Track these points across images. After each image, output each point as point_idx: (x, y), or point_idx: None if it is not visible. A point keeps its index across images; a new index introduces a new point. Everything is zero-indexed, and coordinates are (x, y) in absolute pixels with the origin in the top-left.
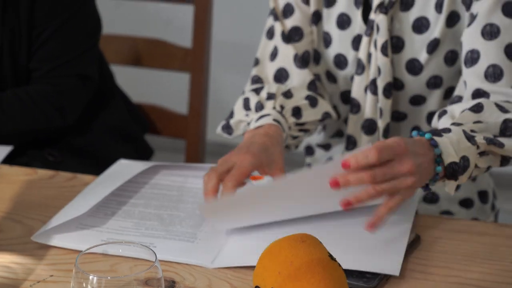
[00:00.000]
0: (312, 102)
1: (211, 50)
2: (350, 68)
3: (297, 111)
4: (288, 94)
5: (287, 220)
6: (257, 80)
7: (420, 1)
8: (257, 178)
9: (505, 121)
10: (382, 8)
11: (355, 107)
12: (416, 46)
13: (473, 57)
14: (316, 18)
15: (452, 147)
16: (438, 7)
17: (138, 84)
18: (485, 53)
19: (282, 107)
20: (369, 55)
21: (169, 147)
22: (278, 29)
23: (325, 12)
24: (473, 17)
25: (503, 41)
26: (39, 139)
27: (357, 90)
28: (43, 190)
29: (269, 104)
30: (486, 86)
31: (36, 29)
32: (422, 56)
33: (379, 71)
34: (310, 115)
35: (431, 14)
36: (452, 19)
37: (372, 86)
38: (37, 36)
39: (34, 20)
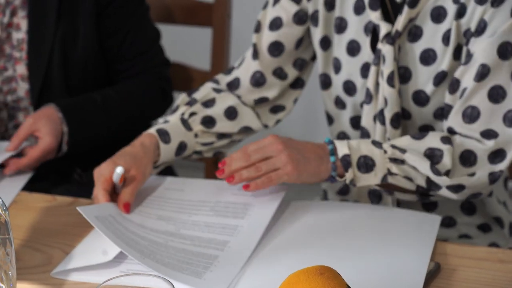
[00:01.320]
0: (230, 114)
1: None
2: (359, 95)
3: (209, 120)
4: (209, 103)
5: (304, 251)
6: (218, 79)
7: (428, 32)
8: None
9: (430, 148)
10: (389, 38)
11: (365, 135)
12: (423, 78)
13: (461, 93)
14: (325, 43)
15: (347, 146)
16: (445, 40)
17: None
18: (471, 94)
19: (192, 114)
20: (377, 85)
21: None
22: (254, 40)
23: (336, 38)
24: (469, 56)
25: (488, 84)
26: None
27: (366, 119)
28: (62, 217)
29: (181, 109)
30: (459, 127)
31: (115, 35)
32: (429, 88)
33: (385, 101)
34: (224, 126)
35: (438, 46)
36: (459, 52)
37: (380, 116)
38: (122, 40)
39: (104, 25)
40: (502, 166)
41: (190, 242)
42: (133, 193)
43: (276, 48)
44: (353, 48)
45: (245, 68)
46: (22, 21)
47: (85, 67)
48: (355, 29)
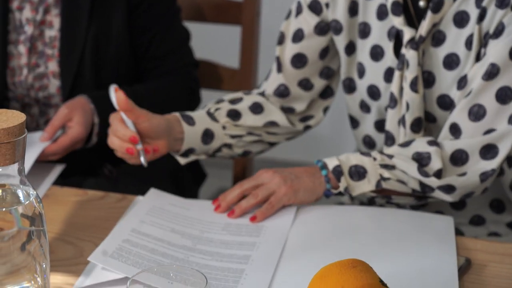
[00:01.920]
0: (256, 109)
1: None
2: (384, 99)
3: (234, 114)
4: (236, 101)
5: (330, 250)
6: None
7: (451, 37)
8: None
9: (417, 152)
10: (413, 43)
11: (390, 139)
12: (447, 82)
13: (469, 92)
14: (350, 49)
15: (336, 159)
16: (468, 44)
17: None
18: (479, 92)
19: (217, 109)
20: (401, 89)
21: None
22: (277, 53)
23: (360, 43)
24: (483, 55)
25: (497, 84)
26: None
27: (391, 123)
28: (93, 211)
29: (208, 106)
30: (463, 123)
31: (145, 34)
32: (453, 92)
33: (407, 106)
34: (249, 120)
35: (461, 50)
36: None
37: (404, 121)
38: (151, 38)
39: (136, 28)
40: (494, 164)
41: (210, 258)
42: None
43: (299, 60)
44: (376, 53)
45: (271, 81)
46: (55, 19)
47: (116, 65)
48: (378, 34)
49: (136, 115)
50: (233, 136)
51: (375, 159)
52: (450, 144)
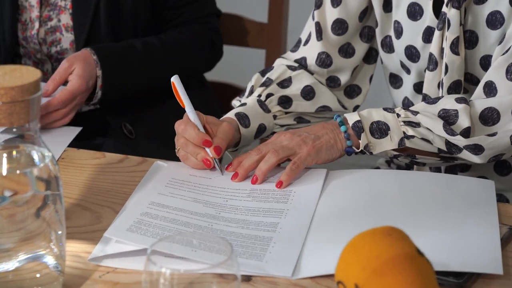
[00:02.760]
0: (308, 94)
1: None
2: (423, 62)
3: (285, 100)
4: (285, 83)
5: (364, 218)
6: (286, 57)
7: None
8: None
9: (444, 109)
10: (455, 1)
11: None
12: (490, 42)
13: (508, 48)
14: (387, 3)
15: (357, 114)
16: None
17: None
18: None
19: (269, 95)
20: (441, 51)
21: None
22: (316, 17)
23: (395, 0)
24: None
25: None
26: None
27: (430, 86)
28: (111, 175)
29: (258, 91)
30: (499, 81)
31: None
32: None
33: (446, 69)
34: (302, 106)
35: (505, 8)
36: None
37: (442, 84)
38: None
39: None
40: None
41: (236, 225)
42: (225, 140)
43: (339, 27)
44: (414, 12)
45: (310, 49)
46: None
47: (135, 16)
48: None
49: (205, 121)
50: (282, 126)
51: (398, 115)
52: (480, 102)
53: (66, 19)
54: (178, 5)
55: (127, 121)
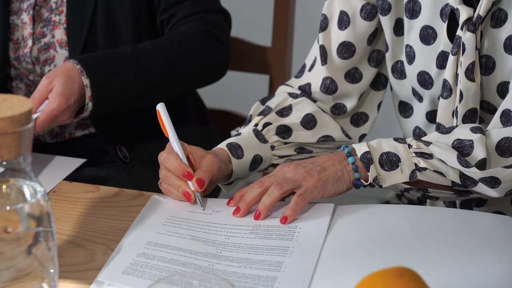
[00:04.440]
0: (308, 123)
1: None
2: (436, 88)
3: (284, 130)
4: (284, 112)
5: (379, 252)
6: (290, 84)
7: None
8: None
9: (458, 139)
10: (470, 25)
11: None
12: (508, 68)
13: None
14: (398, 27)
15: (366, 144)
16: None
17: None
18: None
19: (266, 124)
20: (456, 77)
21: None
22: (320, 40)
23: (408, 23)
24: None
25: None
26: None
27: (444, 115)
28: (106, 210)
29: (255, 120)
30: None
31: None
32: None
33: (461, 96)
34: (301, 136)
35: None
36: None
37: (456, 112)
38: None
39: None
40: None
41: (238, 265)
42: (208, 173)
43: (346, 50)
44: (427, 35)
45: (315, 74)
46: None
47: (135, 27)
48: (429, 13)
49: (189, 152)
50: (282, 157)
51: (410, 146)
52: (497, 132)
53: (60, 34)
54: (170, 4)
55: (122, 144)
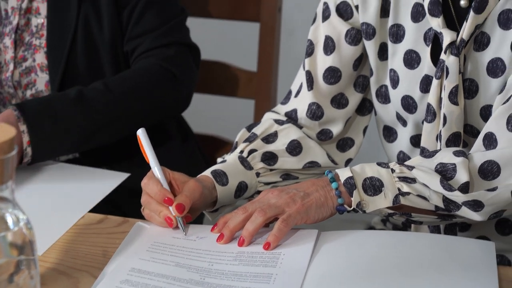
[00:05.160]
0: (294, 149)
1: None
2: (420, 112)
3: (270, 157)
4: (270, 138)
5: (364, 279)
6: (277, 110)
7: (496, 40)
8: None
9: (441, 163)
10: (454, 48)
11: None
12: (491, 91)
13: (508, 97)
14: (383, 52)
15: (349, 170)
16: None
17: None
18: None
19: (252, 151)
20: (439, 101)
21: None
22: (306, 66)
23: (392, 47)
24: None
25: None
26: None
27: (428, 139)
28: (90, 237)
29: (241, 147)
30: (500, 133)
31: (125, 8)
32: None
33: (444, 120)
34: (286, 162)
35: (506, 55)
36: None
37: (440, 136)
38: (129, 15)
39: (118, 1)
40: None
41: None
42: (189, 198)
43: (332, 75)
44: (411, 59)
45: (301, 100)
46: (41, 5)
47: (114, 51)
48: (413, 37)
49: (171, 178)
50: (267, 183)
51: (393, 170)
52: (479, 155)
53: (41, 58)
54: (135, 35)
55: (105, 167)
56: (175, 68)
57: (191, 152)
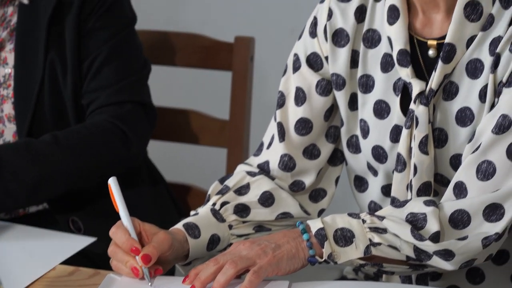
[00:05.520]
0: (266, 201)
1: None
2: (391, 162)
3: (242, 209)
4: (242, 190)
5: None
6: (250, 162)
7: (464, 89)
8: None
9: (411, 213)
10: (423, 98)
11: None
12: (461, 140)
13: (477, 145)
14: (353, 102)
15: (320, 221)
16: (482, 96)
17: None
18: (488, 147)
19: (224, 204)
20: (409, 150)
21: None
22: (278, 117)
23: (362, 97)
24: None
25: (508, 138)
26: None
27: (398, 188)
28: None
29: (213, 199)
30: (470, 182)
31: (85, 60)
32: None
33: (415, 170)
34: (259, 214)
35: (475, 104)
36: None
37: (411, 186)
38: (88, 67)
39: (81, 52)
40: (498, 227)
41: None
42: (157, 249)
43: (303, 126)
44: (381, 109)
45: (273, 151)
46: (9, 55)
47: (77, 103)
48: (382, 87)
49: (141, 228)
50: (240, 236)
51: (364, 221)
52: (449, 204)
53: (8, 109)
54: (89, 89)
55: (75, 215)
56: (126, 126)
57: (161, 198)
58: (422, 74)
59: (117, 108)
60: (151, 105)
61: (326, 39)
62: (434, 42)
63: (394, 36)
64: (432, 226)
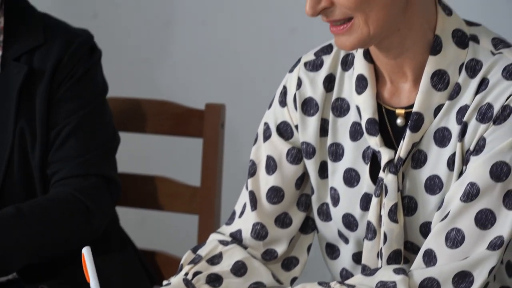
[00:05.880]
0: (238, 270)
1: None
2: (361, 230)
3: (215, 279)
4: (215, 260)
5: None
6: (222, 231)
7: (432, 158)
8: None
9: (381, 282)
10: (392, 166)
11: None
12: (430, 208)
13: (446, 213)
14: (323, 170)
15: None
16: (451, 164)
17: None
18: (457, 215)
19: (196, 273)
20: (379, 218)
21: None
22: (249, 186)
23: (332, 166)
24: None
25: (476, 206)
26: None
27: (368, 256)
28: None
29: (186, 269)
30: (439, 250)
31: (53, 130)
32: None
33: (385, 238)
34: (231, 284)
35: (443, 172)
36: None
37: (381, 254)
38: (55, 137)
39: (50, 121)
40: None
41: None
42: None
43: (275, 195)
44: (351, 178)
45: (245, 220)
46: None
47: (44, 172)
48: (352, 156)
49: None
50: None
51: None
52: (419, 272)
53: None
54: (54, 159)
55: (45, 284)
56: (89, 200)
57: (133, 265)
58: (391, 142)
59: (81, 180)
60: (115, 179)
61: (296, 108)
62: (402, 111)
63: (363, 105)
64: None
